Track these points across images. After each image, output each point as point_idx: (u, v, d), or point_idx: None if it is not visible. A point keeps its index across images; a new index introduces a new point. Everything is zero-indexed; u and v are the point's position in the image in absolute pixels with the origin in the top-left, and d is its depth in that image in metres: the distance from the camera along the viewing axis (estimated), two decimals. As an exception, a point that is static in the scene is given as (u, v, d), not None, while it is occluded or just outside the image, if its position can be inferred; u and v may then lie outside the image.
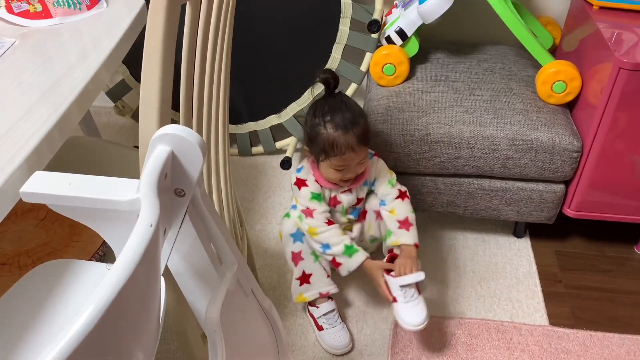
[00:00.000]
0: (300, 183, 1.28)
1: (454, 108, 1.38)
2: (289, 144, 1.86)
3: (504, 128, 1.33)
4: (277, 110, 1.84)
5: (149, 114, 0.67)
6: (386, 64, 1.46)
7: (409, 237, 1.24)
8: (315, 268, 1.28)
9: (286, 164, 1.74)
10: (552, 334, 1.31)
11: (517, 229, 1.58)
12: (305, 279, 1.28)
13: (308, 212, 1.24)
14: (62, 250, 0.88)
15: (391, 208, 1.28)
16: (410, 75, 1.51)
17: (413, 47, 1.49)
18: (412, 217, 1.27)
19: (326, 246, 1.23)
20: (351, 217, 1.31)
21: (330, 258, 1.24)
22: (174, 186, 0.65)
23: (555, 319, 1.36)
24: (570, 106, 1.45)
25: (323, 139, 1.17)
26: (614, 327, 1.35)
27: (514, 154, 1.34)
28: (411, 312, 1.19)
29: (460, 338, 1.30)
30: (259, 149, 1.91)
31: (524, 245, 1.56)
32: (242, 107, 1.85)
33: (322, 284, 1.28)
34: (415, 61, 1.55)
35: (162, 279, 0.80)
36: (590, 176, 1.36)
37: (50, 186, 0.66)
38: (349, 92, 1.70)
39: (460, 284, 1.45)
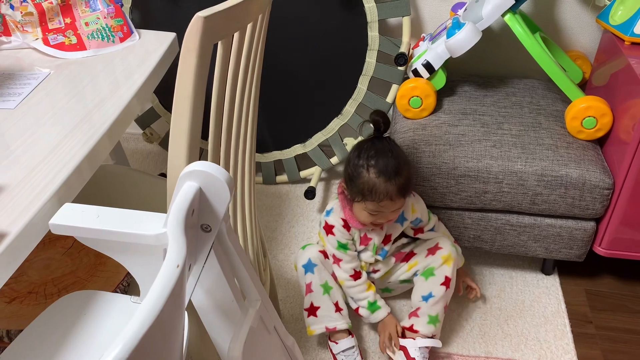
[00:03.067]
0: (329, 229, 1.27)
1: (482, 142, 1.36)
2: (313, 173, 1.86)
3: (533, 163, 1.31)
4: (303, 139, 1.85)
5: (179, 150, 0.67)
6: (413, 97, 1.46)
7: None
8: (323, 301, 1.27)
9: (310, 193, 1.73)
10: (583, 378, 1.26)
11: (546, 266, 1.54)
12: (312, 311, 1.28)
13: (335, 260, 1.28)
14: (87, 280, 0.89)
15: (443, 231, 1.40)
16: (437, 108, 1.50)
17: (440, 80, 1.49)
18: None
19: (351, 298, 1.30)
20: (379, 257, 1.30)
21: (354, 306, 1.31)
22: (200, 222, 0.65)
23: (585, 362, 1.31)
24: (600, 142, 1.42)
25: (363, 182, 1.16)
26: (648, 372, 1.29)
27: (543, 189, 1.31)
28: None
29: (486, 379, 1.26)
30: (283, 177, 1.91)
31: (553, 283, 1.52)
32: (267, 136, 1.86)
33: (329, 318, 1.27)
34: (442, 94, 1.55)
35: (185, 313, 0.80)
36: (622, 214, 1.32)
37: (78, 219, 0.66)
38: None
39: (486, 322, 1.41)
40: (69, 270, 0.90)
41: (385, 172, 1.14)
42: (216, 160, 0.84)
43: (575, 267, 1.55)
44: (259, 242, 1.19)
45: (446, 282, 1.27)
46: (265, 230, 1.72)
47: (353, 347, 1.27)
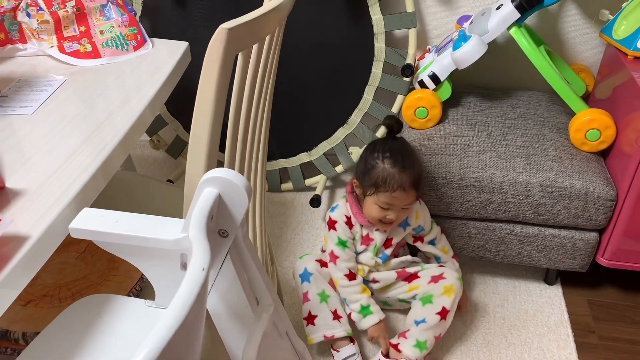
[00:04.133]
0: (331, 224, 1.30)
1: (487, 153, 1.38)
2: (318, 181, 1.87)
3: (537, 174, 1.33)
4: (308, 148, 1.87)
5: (198, 157, 0.69)
6: (419, 107, 1.48)
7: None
8: (321, 310, 1.28)
9: (315, 202, 1.75)
10: (586, 388, 1.27)
11: (549, 276, 1.55)
12: (310, 320, 1.29)
13: (332, 257, 1.28)
14: (101, 284, 0.90)
15: (442, 247, 1.41)
16: (443, 118, 1.52)
17: (446, 91, 1.51)
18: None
19: (344, 299, 1.30)
20: (379, 260, 1.31)
21: (348, 311, 1.30)
22: (218, 227, 0.67)
23: (588, 372, 1.33)
24: (604, 154, 1.44)
25: (378, 172, 1.20)
26: (650, 382, 1.30)
27: (547, 200, 1.33)
28: None
29: (490, 387, 1.27)
30: (288, 185, 1.93)
31: (556, 293, 1.53)
32: (273, 144, 1.88)
33: (327, 326, 1.28)
34: (447, 105, 1.57)
35: (200, 317, 0.81)
36: (625, 225, 1.34)
37: (97, 223, 0.68)
38: (379, 133, 1.71)
39: (490, 331, 1.42)
40: (82, 274, 0.92)
41: (400, 164, 1.19)
42: (232, 169, 0.86)
43: (577, 278, 1.56)
44: (267, 249, 1.20)
45: (442, 313, 1.26)
46: (270, 237, 1.74)
47: (354, 354, 1.28)
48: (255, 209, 1.07)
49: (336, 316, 1.28)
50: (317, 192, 1.78)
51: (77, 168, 0.78)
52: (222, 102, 0.64)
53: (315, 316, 1.28)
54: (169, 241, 0.65)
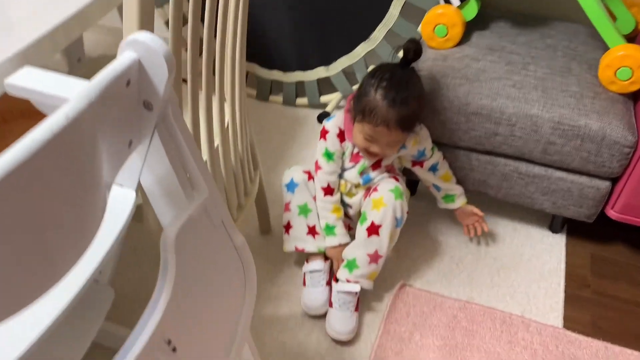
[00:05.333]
0: (323, 134, 1.26)
1: (501, 80, 1.27)
2: (333, 99, 1.81)
3: (551, 109, 1.21)
4: (327, 62, 1.79)
5: (131, 19, 0.65)
6: (438, 25, 1.37)
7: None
8: (297, 222, 1.26)
9: (323, 117, 1.69)
10: (563, 337, 1.21)
11: (554, 223, 1.46)
12: (287, 229, 1.28)
13: (316, 166, 1.25)
14: None
15: (444, 173, 1.33)
16: (464, 40, 1.40)
17: (471, 10, 1.38)
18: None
19: (317, 213, 1.27)
20: (361, 181, 1.26)
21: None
22: (142, 98, 0.63)
23: (571, 324, 1.26)
24: (635, 97, 1.30)
25: (367, 100, 1.13)
26: (637, 344, 1.23)
27: (557, 139, 1.22)
28: (340, 321, 1.18)
29: (461, 322, 1.23)
30: (303, 100, 1.87)
31: (558, 242, 1.45)
32: (291, 55, 1.81)
33: (299, 239, 1.26)
34: (473, 26, 1.44)
35: (135, 193, 0.80)
36: (641, 177, 1.22)
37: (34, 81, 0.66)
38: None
39: (477, 268, 1.37)
40: None
41: (391, 98, 1.10)
42: (196, 50, 0.81)
43: (584, 229, 1.46)
44: (247, 152, 1.17)
45: (370, 228, 1.18)
46: (276, 150, 1.71)
47: (321, 270, 1.25)
48: (235, 105, 1.04)
49: (312, 231, 1.26)
50: (328, 109, 1.72)
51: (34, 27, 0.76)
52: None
53: (291, 227, 1.27)
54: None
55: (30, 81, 0.67)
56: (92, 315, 0.93)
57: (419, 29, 1.58)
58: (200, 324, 0.77)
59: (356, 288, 1.19)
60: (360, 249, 1.19)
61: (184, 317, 0.73)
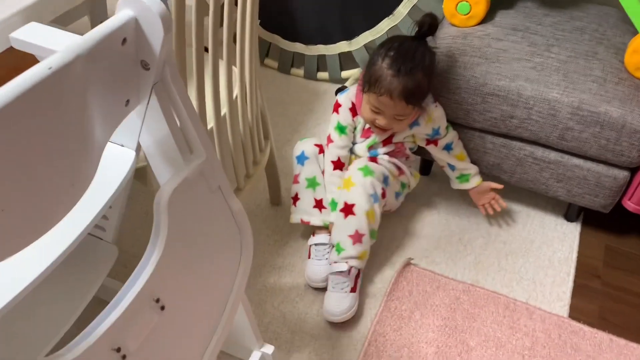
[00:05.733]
0: (336, 107, 1.26)
1: (522, 62, 1.24)
2: (354, 74, 1.79)
3: (571, 94, 1.18)
4: (349, 37, 1.77)
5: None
6: (461, 2, 1.33)
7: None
8: (304, 194, 1.27)
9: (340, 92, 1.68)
10: (567, 327, 1.19)
11: (570, 212, 1.43)
12: (295, 201, 1.28)
13: (328, 139, 1.25)
14: None
15: (459, 152, 1.31)
16: (488, 18, 1.36)
17: (497, -12, 1.34)
18: None
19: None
20: (369, 155, 1.25)
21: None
22: (139, 57, 0.64)
23: (576, 314, 1.24)
24: (663, 86, 1.25)
25: (375, 70, 1.13)
26: (643, 339, 1.20)
27: (575, 124, 1.19)
28: (333, 302, 1.16)
29: (463, 304, 1.22)
30: (324, 75, 1.86)
31: (572, 231, 1.42)
32: (314, 28, 1.80)
33: (305, 212, 1.26)
34: (498, 5, 1.40)
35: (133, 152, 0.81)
36: (661, 168, 1.18)
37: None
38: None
39: (485, 252, 1.35)
40: None
41: (396, 68, 1.09)
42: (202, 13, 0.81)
43: (601, 220, 1.43)
44: (257, 121, 1.17)
45: (344, 209, 1.17)
46: (292, 122, 1.70)
47: (326, 244, 1.25)
48: (245, 74, 1.04)
49: (318, 205, 1.26)
50: (347, 84, 1.70)
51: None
52: None
53: (298, 199, 1.27)
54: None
55: (33, 36, 0.69)
56: (95, 270, 0.95)
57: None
58: (192, 285, 0.78)
59: (343, 267, 1.16)
60: (340, 232, 1.18)
61: (175, 278, 0.74)
